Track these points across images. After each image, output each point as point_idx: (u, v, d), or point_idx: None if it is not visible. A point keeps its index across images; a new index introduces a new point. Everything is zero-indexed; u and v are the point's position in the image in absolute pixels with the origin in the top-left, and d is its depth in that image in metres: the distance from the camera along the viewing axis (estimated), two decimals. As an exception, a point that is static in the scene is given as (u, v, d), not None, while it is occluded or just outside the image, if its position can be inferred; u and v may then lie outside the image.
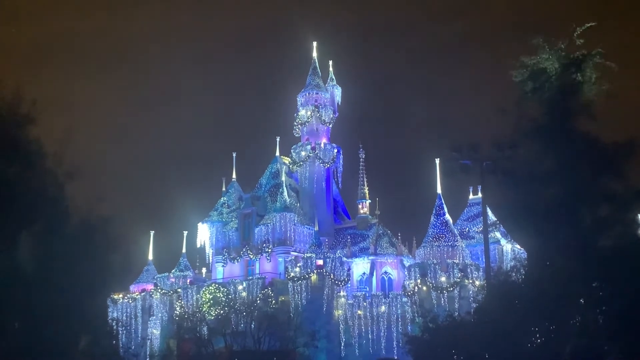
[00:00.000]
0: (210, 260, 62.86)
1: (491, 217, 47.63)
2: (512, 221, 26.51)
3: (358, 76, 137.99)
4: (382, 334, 52.26)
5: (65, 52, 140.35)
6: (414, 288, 51.47)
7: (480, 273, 49.95)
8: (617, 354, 21.32)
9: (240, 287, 56.18)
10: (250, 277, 57.48)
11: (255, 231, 59.42)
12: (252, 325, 50.10)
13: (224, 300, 55.80)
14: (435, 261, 51.91)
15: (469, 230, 58.89)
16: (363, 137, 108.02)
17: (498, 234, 55.24)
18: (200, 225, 62.90)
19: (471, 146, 26.75)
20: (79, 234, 24.54)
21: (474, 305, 38.93)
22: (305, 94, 65.33)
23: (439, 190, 55.66)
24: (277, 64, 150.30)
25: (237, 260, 59.73)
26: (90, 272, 24.26)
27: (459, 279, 50.72)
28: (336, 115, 66.00)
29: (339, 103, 66.92)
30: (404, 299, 52.31)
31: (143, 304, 61.61)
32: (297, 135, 65.63)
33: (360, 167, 64.38)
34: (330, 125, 65.35)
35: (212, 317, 54.75)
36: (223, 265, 60.79)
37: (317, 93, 65.11)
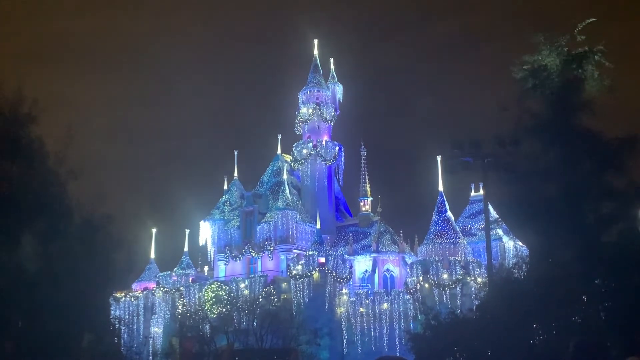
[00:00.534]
0: (212, 259, 62.80)
1: (493, 214, 47.68)
2: (514, 218, 26.48)
3: (359, 73, 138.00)
4: (384, 331, 52.18)
5: (65, 51, 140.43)
6: (416, 285, 51.48)
7: (482, 270, 49.88)
8: (621, 350, 21.28)
9: (242, 285, 56.12)
10: (253, 275, 57.39)
11: (257, 229, 59.35)
12: (255, 323, 50.08)
13: (226, 299, 55.72)
14: (437, 258, 51.90)
15: (470, 228, 58.81)
16: (364, 135, 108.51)
17: (500, 231, 55.24)
18: (202, 223, 62.84)
19: (472, 143, 26.63)
20: (81, 233, 24.61)
21: (476, 302, 38.85)
22: (307, 92, 65.23)
23: (440, 188, 55.68)
24: (279, 62, 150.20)
25: (239, 258, 59.64)
26: (93, 270, 24.33)
27: (461, 276, 50.74)
28: (337, 112, 65.89)
29: (341, 100, 66.83)
30: (406, 297, 52.29)
31: (145, 303, 61.58)
32: (298, 133, 65.57)
33: (362, 165, 64.47)
34: (332, 123, 65.26)
35: (215, 315, 54.68)
36: (225, 264, 60.75)
37: (318, 91, 65.00)
